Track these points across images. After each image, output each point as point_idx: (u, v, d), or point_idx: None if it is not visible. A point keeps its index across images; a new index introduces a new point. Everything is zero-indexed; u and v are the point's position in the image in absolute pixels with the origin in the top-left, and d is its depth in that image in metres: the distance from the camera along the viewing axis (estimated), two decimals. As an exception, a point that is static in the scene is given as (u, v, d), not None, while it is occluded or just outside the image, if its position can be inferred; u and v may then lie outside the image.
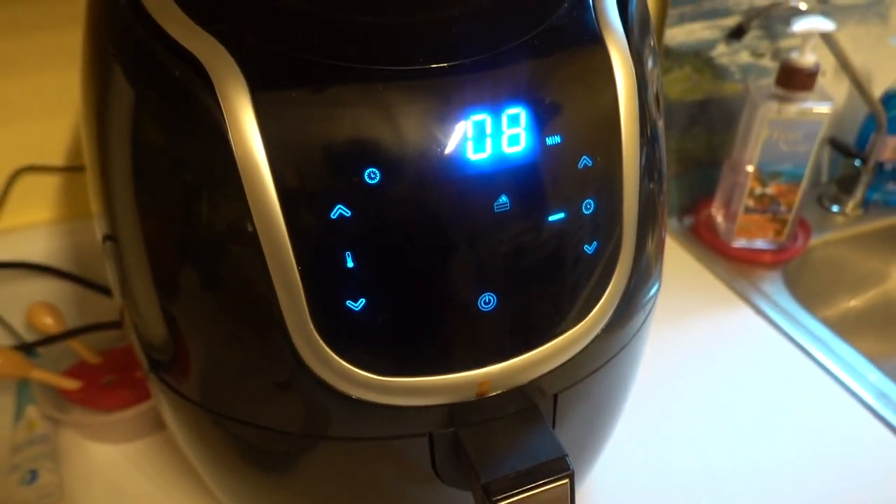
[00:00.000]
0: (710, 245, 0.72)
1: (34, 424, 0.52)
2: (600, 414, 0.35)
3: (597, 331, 0.29)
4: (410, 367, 0.26)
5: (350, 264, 0.24)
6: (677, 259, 0.72)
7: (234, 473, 0.33)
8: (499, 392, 0.28)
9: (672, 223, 0.76)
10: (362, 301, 0.25)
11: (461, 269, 0.25)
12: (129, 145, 0.26)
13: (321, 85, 0.23)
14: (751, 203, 0.67)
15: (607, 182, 0.27)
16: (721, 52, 0.70)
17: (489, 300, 0.26)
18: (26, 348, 0.56)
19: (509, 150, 0.25)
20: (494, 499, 0.26)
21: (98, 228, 0.31)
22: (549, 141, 0.25)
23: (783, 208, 0.67)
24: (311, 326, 0.25)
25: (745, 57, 0.71)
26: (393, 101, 0.24)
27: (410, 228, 0.24)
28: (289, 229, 0.24)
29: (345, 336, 0.25)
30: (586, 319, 0.28)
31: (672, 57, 0.69)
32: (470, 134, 0.24)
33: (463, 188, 0.25)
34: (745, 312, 0.65)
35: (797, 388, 0.57)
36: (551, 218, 0.26)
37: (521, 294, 0.27)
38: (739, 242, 0.70)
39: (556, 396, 0.30)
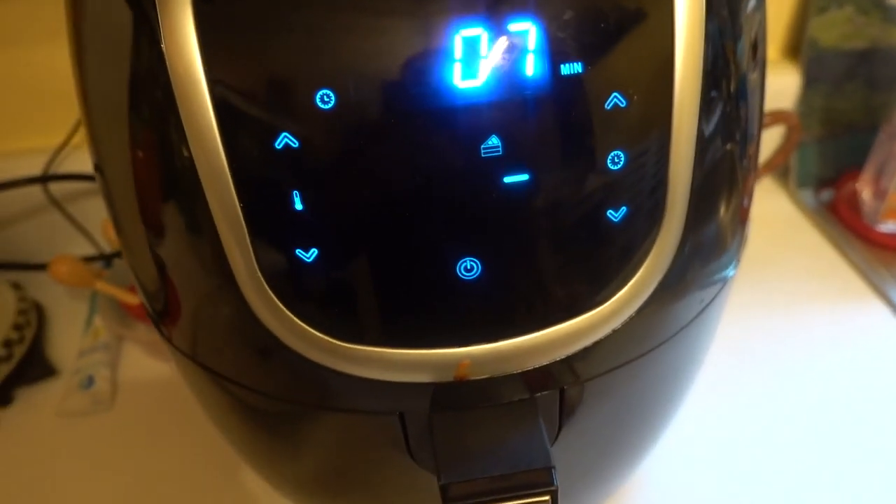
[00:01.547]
0: (848, 225, 0.60)
1: (99, 333, 0.54)
2: (630, 422, 0.29)
3: (619, 320, 0.23)
4: (373, 334, 0.22)
5: (298, 206, 0.20)
6: (805, 238, 0.61)
7: (219, 421, 0.31)
8: (485, 377, 0.23)
9: (806, 196, 0.64)
10: (314, 252, 0.21)
11: (434, 226, 0.20)
12: (81, 61, 0.23)
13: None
14: (909, 180, 0.55)
15: (647, 131, 0.21)
16: (897, -11, 0.57)
17: (471, 267, 0.21)
18: (104, 259, 0.58)
19: (510, 77, 0.19)
20: (451, 505, 0.21)
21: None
22: (566, 69, 0.19)
23: (952, 190, 0.54)
24: (260, 275, 0.21)
25: (930, -4, 0.57)
26: (356, 7, 0.19)
27: (370, 169, 0.20)
28: (228, 158, 0.20)
29: (297, 290, 0.22)
30: (605, 305, 0.22)
31: (830, -7, 0.56)
32: (458, 54, 0.19)
33: (442, 123, 0.19)
34: (880, 310, 0.54)
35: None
36: (558, 171, 0.20)
37: (513, 263, 0.21)
38: (886, 226, 0.58)
39: (562, 392, 0.24)
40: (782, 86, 0.62)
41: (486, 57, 0.19)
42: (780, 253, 0.60)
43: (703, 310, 0.27)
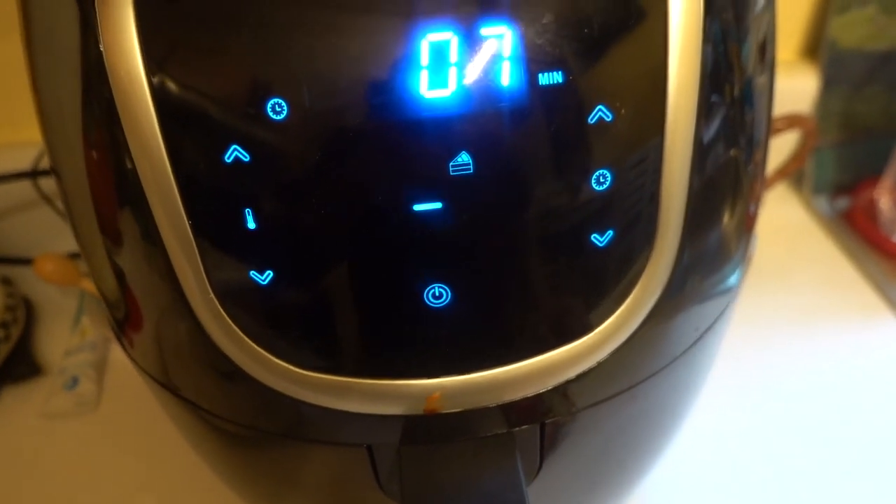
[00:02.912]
0: (865, 236, 0.57)
1: (86, 332, 0.52)
2: (618, 456, 0.27)
3: (605, 351, 0.21)
4: (335, 363, 0.20)
5: (251, 225, 0.18)
6: (819, 248, 0.59)
7: (188, 439, 0.30)
8: (457, 410, 0.21)
9: (821, 204, 0.62)
10: (269, 274, 0.19)
11: (399, 250, 0.19)
12: (32, 60, 0.21)
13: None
14: (930, 189, 0.52)
15: (636, 147, 0.19)
16: (924, -11, 0.54)
17: (440, 294, 0.19)
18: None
19: (483, 87, 0.17)
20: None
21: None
22: (545, 79, 0.17)
23: (977, 201, 0.52)
24: (213, 297, 0.20)
25: (958, -4, 0.54)
26: (313, 6, 0.17)
27: (327, 186, 0.18)
28: (174, 171, 0.18)
29: (252, 315, 0.20)
30: (590, 335, 0.21)
31: (851, -8, 0.54)
32: (425, 60, 0.17)
33: (406, 137, 0.17)
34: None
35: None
36: (535, 191, 0.18)
37: (485, 291, 0.19)
38: (905, 238, 0.55)
39: (542, 426, 0.23)
40: (799, 88, 0.59)
41: (455, 64, 0.17)
42: (792, 263, 0.57)
43: (700, 337, 0.25)
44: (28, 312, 0.55)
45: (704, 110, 0.20)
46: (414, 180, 0.18)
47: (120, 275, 0.23)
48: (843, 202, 0.61)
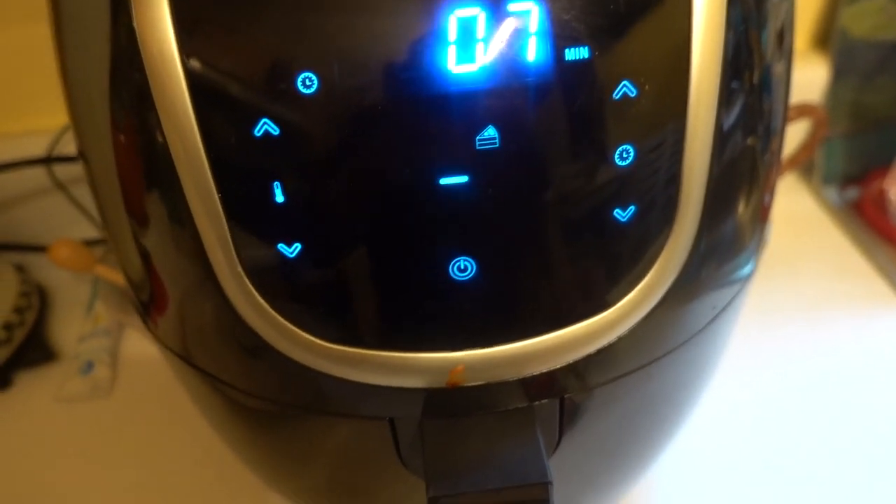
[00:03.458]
0: (874, 226, 0.57)
1: (100, 318, 0.53)
2: (635, 432, 0.27)
3: (625, 326, 0.21)
4: (360, 336, 0.21)
5: (279, 198, 0.19)
6: (828, 238, 0.59)
7: (208, 417, 0.30)
8: (480, 384, 0.22)
9: (830, 194, 0.62)
10: (297, 247, 0.19)
11: (425, 222, 0.19)
12: (60, 40, 0.22)
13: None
14: (940, 179, 0.52)
15: (659, 123, 0.19)
16: (936, -22, 0.54)
17: (465, 267, 0.19)
18: (107, 243, 0.57)
19: (509, 62, 0.18)
20: (438, 520, 0.20)
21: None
22: (572, 55, 0.18)
23: None
24: (241, 271, 0.20)
25: (970, -14, 0.54)
26: (343, -18, 0.17)
27: (355, 159, 0.18)
28: (205, 145, 0.18)
29: (279, 287, 0.20)
30: (611, 309, 0.21)
31: (863, -19, 0.54)
32: (452, 35, 0.17)
33: (434, 111, 0.18)
34: (905, 317, 0.51)
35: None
36: (560, 165, 0.19)
37: (509, 264, 0.20)
38: (915, 228, 0.55)
39: (562, 401, 0.23)
40: (809, 78, 0.59)
41: (483, 40, 0.17)
42: (801, 253, 0.58)
43: (716, 316, 0.25)
44: (41, 299, 0.56)
45: (726, 91, 0.20)
46: (441, 154, 0.18)
47: (147, 254, 0.23)
48: (852, 192, 0.61)
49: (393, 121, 0.18)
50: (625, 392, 0.24)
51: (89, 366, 0.50)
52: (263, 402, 0.24)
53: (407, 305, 0.20)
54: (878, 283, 0.54)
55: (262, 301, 0.21)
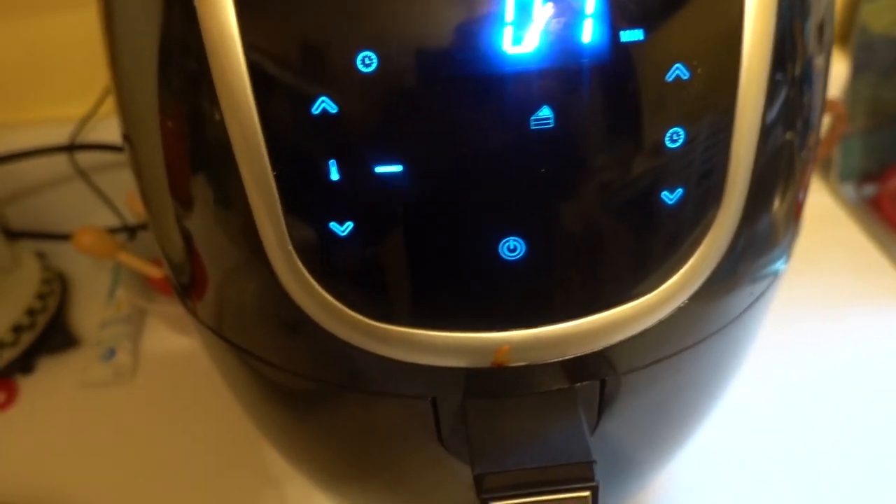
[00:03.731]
0: (892, 222, 0.58)
1: (121, 305, 0.53)
2: (669, 415, 0.28)
3: (668, 309, 0.22)
4: (408, 314, 0.21)
5: (334, 176, 0.19)
6: (846, 234, 0.59)
7: (242, 398, 0.30)
8: (522, 364, 0.22)
9: (847, 191, 0.62)
10: (349, 225, 0.20)
11: (478, 202, 0.19)
12: (110, 24, 0.22)
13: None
14: (960, 176, 0.53)
15: (709, 107, 0.19)
16: (957, -25, 0.54)
17: (515, 247, 0.20)
18: (128, 231, 0.57)
19: (565, 44, 0.18)
20: (485, 496, 0.20)
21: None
22: (626, 36, 0.18)
23: None
24: (291, 248, 0.20)
25: None
26: (404, -38, 0.17)
27: (411, 138, 0.18)
28: (262, 123, 0.19)
29: (328, 265, 0.21)
30: (655, 292, 0.21)
31: (884, -23, 0.54)
32: (509, 16, 0.18)
33: (490, 92, 0.18)
34: (924, 313, 0.52)
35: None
36: (613, 146, 0.19)
37: (559, 245, 0.20)
38: (933, 224, 0.55)
39: (602, 382, 0.23)
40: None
41: (539, 21, 0.18)
42: (819, 249, 0.58)
43: (752, 303, 0.26)
44: (62, 286, 0.56)
45: (774, 78, 0.20)
46: (495, 134, 0.18)
47: (192, 234, 0.24)
48: (870, 189, 0.61)
49: (449, 100, 0.18)
50: (663, 376, 0.24)
51: (111, 352, 0.50)
52: (306, 380, 0.24)
53: (455, 285, 0.20)
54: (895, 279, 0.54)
55: (310, 278, 0.21)
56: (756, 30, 0.19)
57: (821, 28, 0.23)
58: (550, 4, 0.18)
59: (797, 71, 0.22)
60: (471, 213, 0.19)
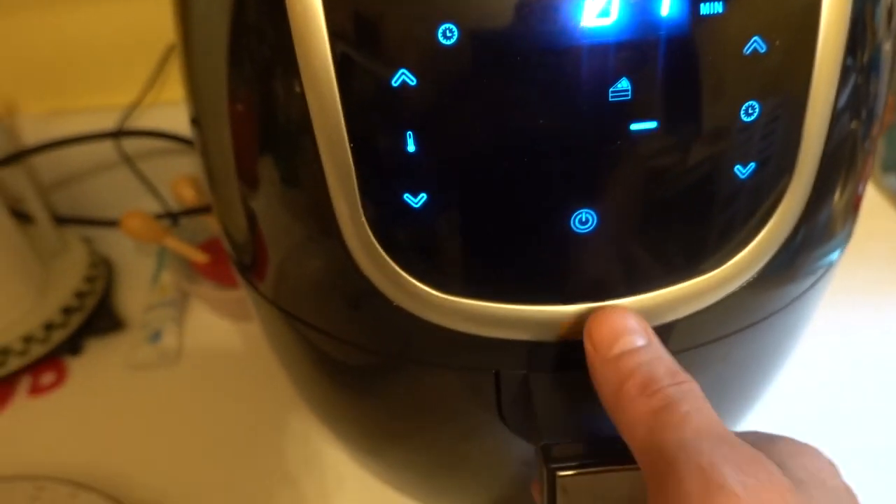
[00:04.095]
0: (937, 214, 0.57)
1: (166, 289, 0.54)
2: (725, 394, 0.28)
3: (736, 284, 0.22)
4: (475, 287, 0.21)
5: (411, 148, 0.19)
6: (889, 225, 0.58)
7: (299, 375, 0.31)
8: (588, 339, 0.22)
9: (891, 181, 0.61)
10: (422, 196, 0.20)
11: (552, 174, 0.19)
12: (185, 7, 0.22)
13: None
14: None
15: (786, 80, 0.19)
16: None
17: (586, 219, 0.20)
18: (171, 217, 0.58)
19: (645, 16, 0.18)
20: (553, 466, 0.20)
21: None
22: (706, 9, 0.18)
23: None
24: (363, 220, 0.21)
25: None
26: (487, -65, 0.18)
27: (489, 110, 0.19)
28: (342, 95, 0.19)
29: (400, 237, 0.21)
30: (719, 269, 0.21)
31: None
32: (590, -11, 0.18)
33: (570, 63, 0.18)
34: (969, 303, 0.51)
35: None
36: (689, 119, 0.19)
37: (629, 219, 0.20)
38: (981, 215, 0.54)
39: (669, 357, 0.23)
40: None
41: (619, -7, 0.18)
42: (861, 240, 0.56)
43: (807, 289, 0.25)
44: (108, 271, 0.57)
45: (847, 58, 0.20)
46: (574, 106, 0.19)
47: (260, 211, 0.24)
48: (913, 180, 0.60)
49: (528, 73, 0.18)
50: (725, 351, 0.24)
51: (157, 335, 0.51)
52: (369, 354, 0.25)
53: (526, 257, 0.21)
54: (941, 271, 0.54)
55: (381, 251, 0.21)
56: (833, 5, 0.19)
57: (889, 13, 0.23)
58: (630, -23, 0.18)
59: (867, 56, 0.21)
60: (544, 185, 0.20)
